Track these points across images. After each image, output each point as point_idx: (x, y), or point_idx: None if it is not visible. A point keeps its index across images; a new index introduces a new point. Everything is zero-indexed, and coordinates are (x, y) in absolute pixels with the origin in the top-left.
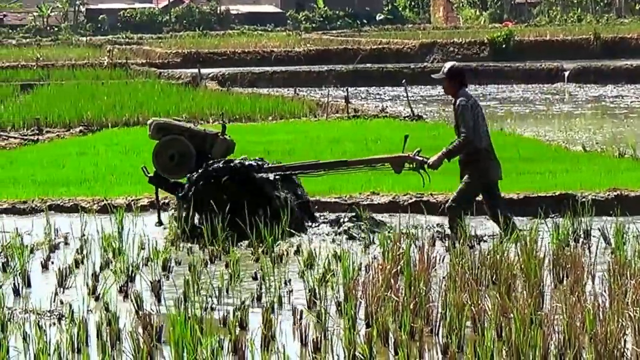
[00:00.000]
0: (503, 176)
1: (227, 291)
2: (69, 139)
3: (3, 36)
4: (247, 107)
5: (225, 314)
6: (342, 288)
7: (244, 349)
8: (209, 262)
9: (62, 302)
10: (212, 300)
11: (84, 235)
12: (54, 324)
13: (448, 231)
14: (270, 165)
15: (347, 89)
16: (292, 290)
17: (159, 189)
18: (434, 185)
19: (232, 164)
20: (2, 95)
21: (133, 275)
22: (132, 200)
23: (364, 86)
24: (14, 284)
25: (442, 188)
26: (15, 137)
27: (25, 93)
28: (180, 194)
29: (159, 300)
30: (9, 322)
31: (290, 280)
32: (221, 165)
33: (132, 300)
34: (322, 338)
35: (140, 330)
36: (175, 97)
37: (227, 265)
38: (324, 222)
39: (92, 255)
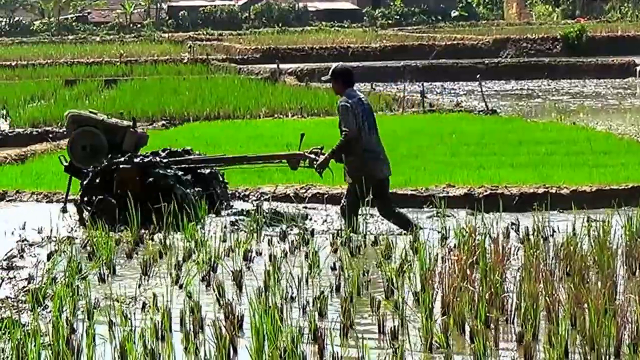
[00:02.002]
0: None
1: (306, 281)
2: (151, 133)
3: (88, 33)
4: (325, 102)
5: (305, 303)
6: (419, 278)
7: (323, 337)
8: (288, 253)
9: (146, 291)
10: (292, 290)
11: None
12: (139, 312)
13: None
14: (174, 158)
15: (422, 84)
16: (370, 281)
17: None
18: (509, 178)
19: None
20: (87, 90)
21: (215, 265)
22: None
23: (439, 81)
24: (100, 272)
25: (517, 180)
26: None
27: (109, 88)
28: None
29: (240, 290)
30: (95, 310)
31: (368, 271)
32: (106, 163)
33: (214, 290)
34: (400, 327)
35: (222, 318)
36: (255, 92)
37: (306, 256)
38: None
39: (175, 245)
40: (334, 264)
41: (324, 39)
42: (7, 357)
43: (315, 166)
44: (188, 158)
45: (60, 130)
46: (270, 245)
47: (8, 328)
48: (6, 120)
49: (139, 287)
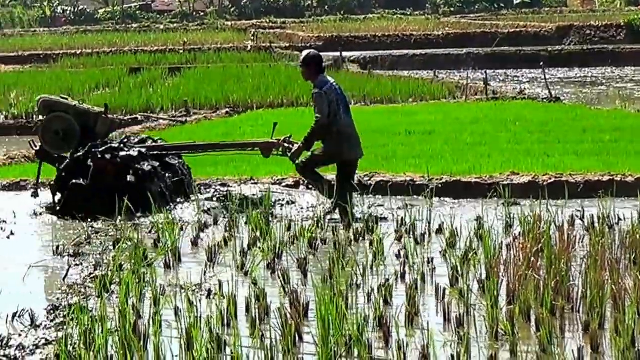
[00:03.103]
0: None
1: (371, 268)
2: (215, 120)
3: (151, 21)
4: (388, 90)
5: (370, 291)
6: (484, 266)
7: (388, 324)
8: (353, 241)
9: (211, 278)
10: (357, 278)
11: (233, 214)
12: (204, 298)
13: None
14: (148, 145)
15: (485, 72)
16: (435, 269)
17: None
18: (573, 165)
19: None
20: (152, 78)
21: (280, 252)
22: (278, 180)
23: (502, 69)
24: (166, 259)
25: (582, 167)
26: (164, 119)
27: (173, 76)
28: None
29: (306, 277)
30: (161, 297)
31: (432, 259)
32: (81, 153)
33: (279, 277)
34: (465, 315)
35: (287, 305)
36: None
37: (371, 244)
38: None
39: (241, 233)
40: (399, 251)
41: (386, 27)
42: (75, 343)
43: (289, 155)
44: (160, 145)
45: (125, 118)
46: (335, 233)
47: (76, 314)
48: None
49: (205, 274)
